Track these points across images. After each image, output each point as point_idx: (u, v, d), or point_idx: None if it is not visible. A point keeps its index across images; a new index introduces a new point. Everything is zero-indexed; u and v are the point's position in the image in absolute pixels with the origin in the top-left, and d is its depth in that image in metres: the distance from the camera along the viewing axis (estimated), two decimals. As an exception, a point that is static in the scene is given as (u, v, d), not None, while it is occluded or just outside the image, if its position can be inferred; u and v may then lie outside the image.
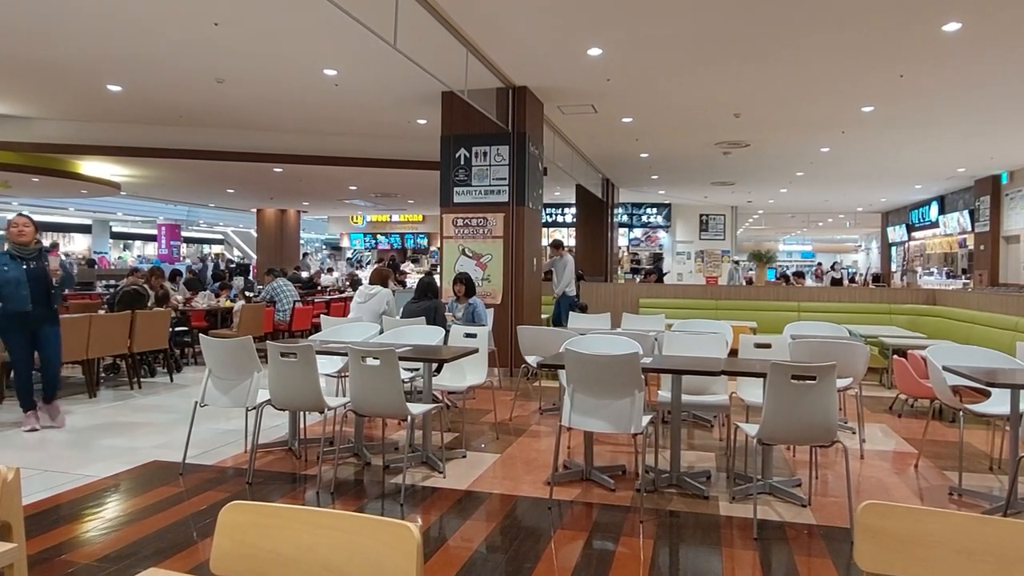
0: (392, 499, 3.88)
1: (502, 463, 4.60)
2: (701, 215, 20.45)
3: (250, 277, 16.21)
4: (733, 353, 5.25)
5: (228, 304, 9.55)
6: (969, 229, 15.49)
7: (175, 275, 11.88)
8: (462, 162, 8.10)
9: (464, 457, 4.68)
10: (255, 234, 22.14)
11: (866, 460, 4.76)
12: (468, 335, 5.37)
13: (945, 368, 4.03)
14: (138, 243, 30.91)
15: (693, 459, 4.74)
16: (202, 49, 6.74)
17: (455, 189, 8.12)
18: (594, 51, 6.65)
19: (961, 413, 4.26)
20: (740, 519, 3.57)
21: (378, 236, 26.41)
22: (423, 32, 5.75)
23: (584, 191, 14.64)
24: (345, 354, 4.09)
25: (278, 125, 10.26)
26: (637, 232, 21.10)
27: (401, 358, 4.11)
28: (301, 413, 4.85)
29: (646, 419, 3.67)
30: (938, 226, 17.75)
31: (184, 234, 28.48)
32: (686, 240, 20.66)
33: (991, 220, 14.36)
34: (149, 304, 7.64)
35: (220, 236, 32.44)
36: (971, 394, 4.67)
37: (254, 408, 4.21)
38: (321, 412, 4.16)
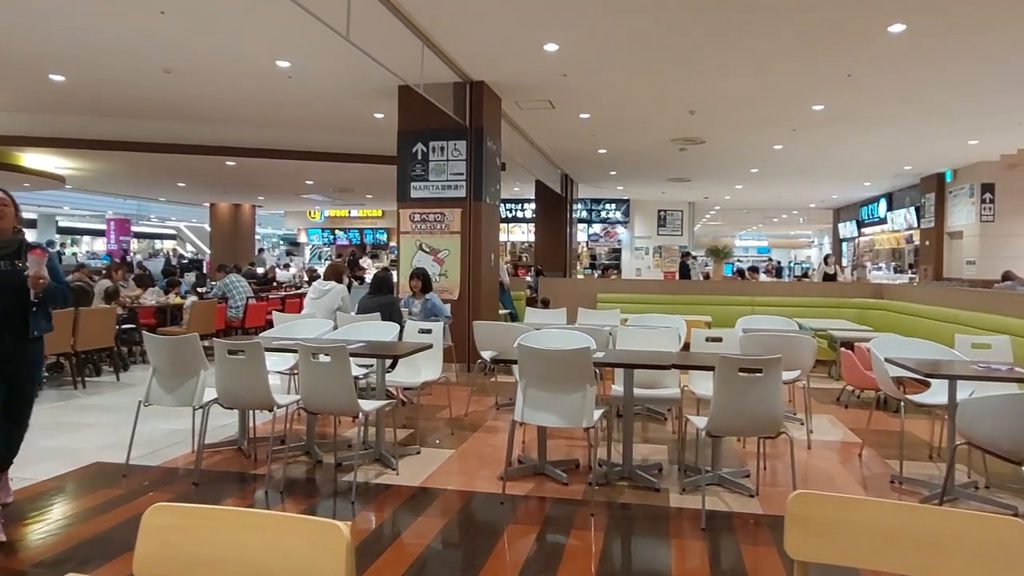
0: (344, 497, 3.83)
1: (457, 459, 4.58)
2: (659, 211, 20.71)
3: (204, 272, 15.82)
4: (687, 347, 5.33)
5: (178, 301, 9.31)
6: (915, 225, 16.00)
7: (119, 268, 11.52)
8: (419, 157, 8.03)
9: (418, 453, 4.65)
10: (209, 229, 21.64)
11: (813, 450, 4.87)
12: (423, 331, 5.33)
13: (887, 360, 4.15)
14: (86, 238, 29.93)
15: (647, 452, 4.79)
16: (148, 38, 6.54)
17: (412, 184, 8.05)
18: (550, 46, 6.66)
19: (903, 403, 4.40)
20: (690, 510, 3.62)
21: (336, 231, 26.07)
22: (377, 24, 5.68)
23: (543, 187, 14.69)
24: (295, 351, 4.02)
25: (230, 117, 10.02)
26: (596, 228, 21.26)
27: (354, 354, 4.06)
28: (251, 411, 4.75)
29: (598, 413, 3.70)
30: (886, 222, 18.30)
31: (135, 229, 27.69)
32: (644, 236, 20.89)
33: (936, 216, 14.86)
34: (117, 298, 7.37)
35: (173, 231, 31.62)
36: (914, 385, 4.82)
37: (201, 407, 4.10)
38: (270, 410, 4.08)
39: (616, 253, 21.29)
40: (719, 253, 16.40)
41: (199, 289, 11.05)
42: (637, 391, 4.47)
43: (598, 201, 20.72)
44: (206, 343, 4.18)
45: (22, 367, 3.47)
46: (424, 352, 4.69)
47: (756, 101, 8.73)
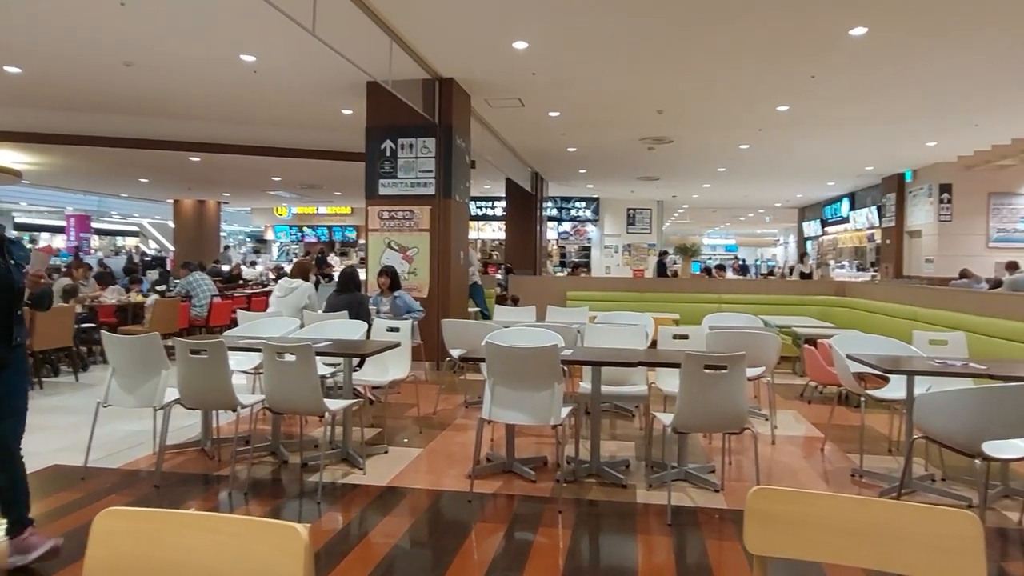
0: (310, 497, 3.78)
1: (425, 458, 4.55)
2: (628, 209, 20.86)
3: (167, 270, 15.50)
4: (655, 345, 5.37)
5: (139, 299, 9.10)
6: (877, 224, 16.37)
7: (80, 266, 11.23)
8: (388, 154, 7.96)
9: (386, 452, 4.62)
10: (172, 226, 21.21)
11: (777, 445, 4.95)
12: (391, 329, 5.29)
13: (848, 356, 4.24)
14: (45, 235, 29.07)
15: (614, 448, 4.82)
16: (107, 30, 6.37)
17: (381, 181, 7.99)
18: (520, 44, 6.65)
19: (863, 398, 4.49)
20: (656, 506, 3.66)
21: (304, 228, 25.73)
22: (345, 20, 5.61)
23: (513, 185, 14.69)
24: (259, 350, 3.95)
25: (194, 112, 9.82)
26: (566, 226, 21.34)
27: (319, 353, 4.01)
28: (214, 412, 4.67)
29: (565, 411, 3.71)
30: (849, 221, 18.69)
31: (96, 225, 26.99)
32: (614, 234, 21.03)
33: (896, 216, 15.22)
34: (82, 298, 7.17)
35: (135, 228, 30.90)
36: (874, 380, 4.92)
37: (162, 408, 4.02)
38: (234, 410, 4.01)
39: (586, 251, 21.39)
40: (687, 251, 16.57)
41: (159, 288, 10.81)
42: (605, 388, 4.50)
43: (568, 199, 20.79)
44: (168, 342, 4.08)
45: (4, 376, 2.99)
46: (392, 350, 4.65)
47: (723, 101, 8.84)
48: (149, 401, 4.02)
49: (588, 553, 3.13)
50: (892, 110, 9.17)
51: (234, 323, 6.11)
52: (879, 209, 16.16)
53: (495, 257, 20.30)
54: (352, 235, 25.05)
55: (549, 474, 4.21)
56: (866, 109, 9.10)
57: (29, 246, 3.54)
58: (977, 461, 3.10)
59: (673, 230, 29.23)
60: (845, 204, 18.76)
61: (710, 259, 25.23)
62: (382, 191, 7.98)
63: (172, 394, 4.04)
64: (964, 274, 10.84)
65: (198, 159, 12.91)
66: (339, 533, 3.32)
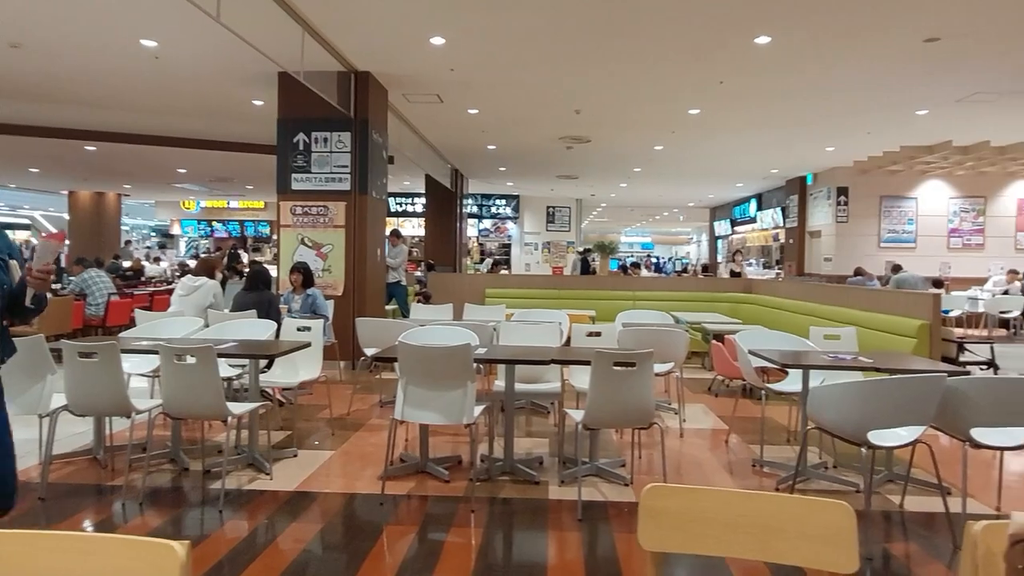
0: (212, 505, 3.62)
1: (336, 460, 4.45)
2: (548, 207, 21.10)
3: (60, 267, 14.51)
4: (570, 342, 5.45)
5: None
6: (781, 224, 17.21)
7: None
8: (301, 147, 7.73)
9: (295, 456, 4.48)
10: (67, 218, 19.88)
11: (685, 438, 5.12)
12: (302, 328, 5.14)
13: (750, 352, 4.43)
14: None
15: (530, 445, 4.86)
16: (-13, 6, 5.89)
17: (293, 176, 7.74)
18: (437, 40, 6.59)
19: (763, 392, 4.71)
20: (568, 502, 3.71)
21: (214, 223, 24.67)
22: (253, 7, 5.39)
23: (433, 181, 14.58)
24: (156, 352, 3.75)
25: (90, 99, 9.21)
26: (487, 223, 21.37)
27: (222, 355, 3.85)
28: (107, 418, 4.40)
29: (479, 409, 3.70)
30: (756, 221, 19.57)
31: (-20, 218, 24.98)
32: (534, 231, 21.23)
33: (799, 217, 16.05)
34: None
35: (26, 221, 28.78)
36: (776, 374, 5.17)
37: (48, 415, 3.75)
38: (128, 416, 3.79)
39: (506, 248, 21.50)
40: (606, 249, 16.94)
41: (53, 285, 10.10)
42: (520, 386, 4.53)
43: (488, 196, 20.83)
44: (57, 344, 3.81)
45: None
46: (303, 350, 4.52)
47: (637, 103, 9.05)
48: (33, 408, 3.75)
49: (499, 551, 3.14)
50: (795, 116, 9.65)
51: (133, 323, 5.78)
52: (783, 210, 16.99)
53: (415, 254, 20.10)
54: (266, 231, 24.20)
55: (464, 473, 4.20)
56: (771, 114, 9.54)
57: (27, 235, 2.77)
58: (863, 449, 3.29)
59: (592, 228, 29.82)
60: (753, 205, 19.63)
61: (629, 257, 25.90)
62: (295, 186, 7.74)
63: (58, 400, 3.78)
64: (859, 272, 11.58)
65: (94, 148, 12.14)
66: (243, 541, 3.19)
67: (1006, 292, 12.18)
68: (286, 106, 7.68)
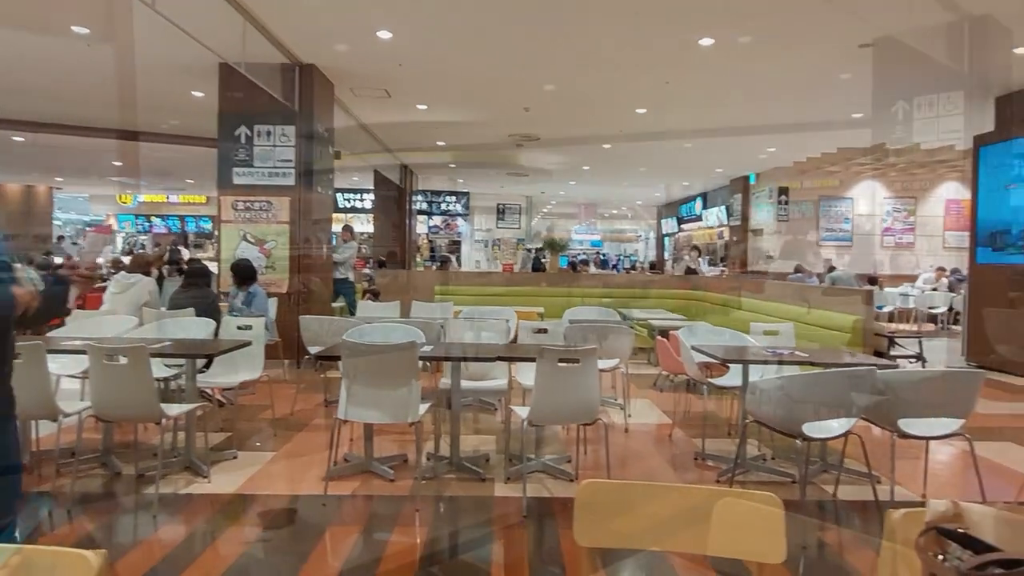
0: (145, 511, 3.50)
1: (278, 461, 4.35)
2: (498, 204, 21.11)
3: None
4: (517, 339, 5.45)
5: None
6: (725, 223, 17.62)
7: None
8: (243, 141, 7.53)
9: (235, 458, 4.36)
10: (-6, 213, 18.92)
11: (630, 433, 5.19)
12: (242, 327, 5.01)
13: (693, 347, 4.51)
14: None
15: (477, 443, 4.84)
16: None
17: (235, 170, 7.54)
18: (384, 34, 6.50)
19: (706, 387, 4.80)
20: (513, 499, 3.71)
21: (153, 218, 23.82)
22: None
23: (382, 177, 14.42)
24: (84, 352, 3.60)
25: (17, 86, 8.77)
26: (436, 220, 21.24)
27: (156, 354, 3.72)
28: (32, 422, 4.20)
29: (424, 407, 3.67)
30: (702, 219, 19.98)
31: None
32: (484, 228, 21.21)
33: (742, 215, 16.45)
34: None
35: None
36: (719, 368, 5.28)
37: (-33, 419, 3.55)
38: (54, 420, 3.63)
39: (456, 245, 21.41)
40: (555, 246, 17.02)
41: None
42: (467, 383, 4.51)
43: (438, 193, 20.69)
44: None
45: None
46: (244, 349, 4.40)
47: (584, 102, 9.12)
48: (-50, 412, 3.54)
49: (443, 549, 3.12)
50: (738, 117, 9.89)
51: (64, 322, 5.53)
52: (727, 208, 17.40)
53: (363, 251, 19.82)
54: (207, 226, 23.48)
55: (409, 472, 4.15)
56: (714, 114, 9.74)
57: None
58: (799, 441, 3.40)
59: (542, 225, 29.91)
60: (699, 203, 20.03)
61: (579, 255, 26.07)
62: (236, 180, 7.53)
63: (-21, 403, 3.58)
64: (798, 269, 11.94)
65: (22, 139, 11.58)
66: (179, 546, 3.09)
67: (935, 289, 12.77)
68: (227, 98, 7.46)
